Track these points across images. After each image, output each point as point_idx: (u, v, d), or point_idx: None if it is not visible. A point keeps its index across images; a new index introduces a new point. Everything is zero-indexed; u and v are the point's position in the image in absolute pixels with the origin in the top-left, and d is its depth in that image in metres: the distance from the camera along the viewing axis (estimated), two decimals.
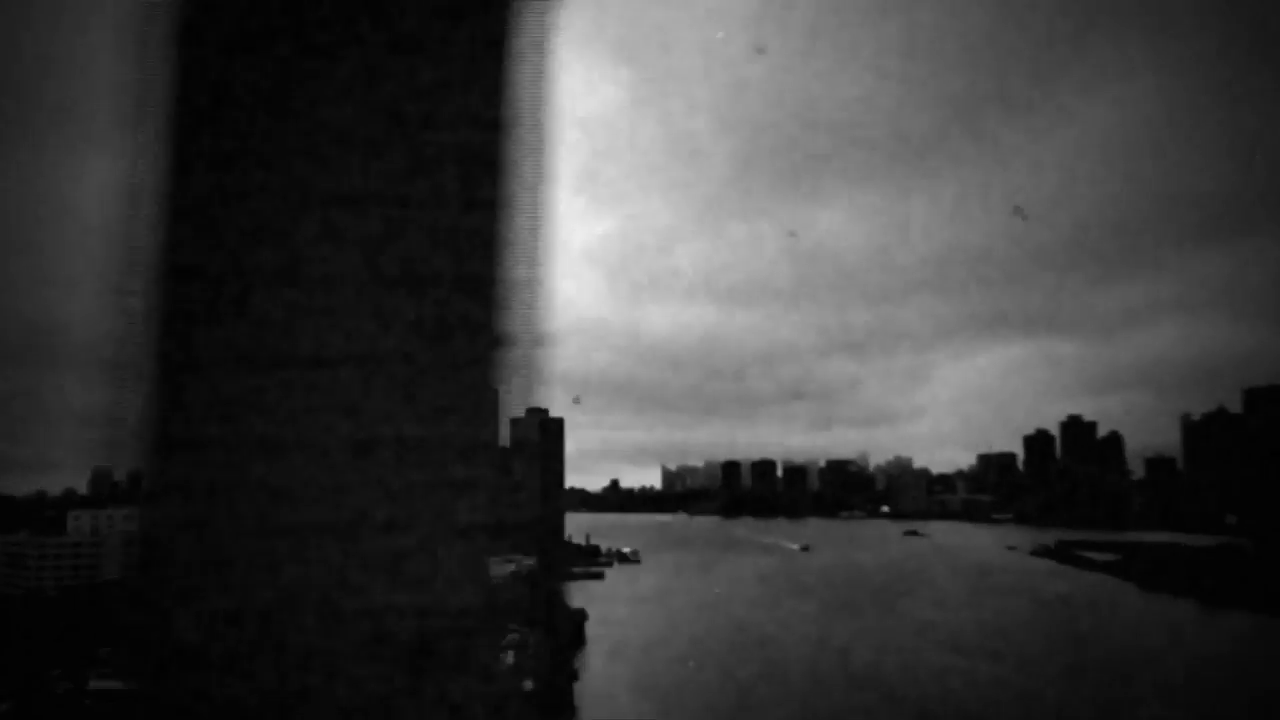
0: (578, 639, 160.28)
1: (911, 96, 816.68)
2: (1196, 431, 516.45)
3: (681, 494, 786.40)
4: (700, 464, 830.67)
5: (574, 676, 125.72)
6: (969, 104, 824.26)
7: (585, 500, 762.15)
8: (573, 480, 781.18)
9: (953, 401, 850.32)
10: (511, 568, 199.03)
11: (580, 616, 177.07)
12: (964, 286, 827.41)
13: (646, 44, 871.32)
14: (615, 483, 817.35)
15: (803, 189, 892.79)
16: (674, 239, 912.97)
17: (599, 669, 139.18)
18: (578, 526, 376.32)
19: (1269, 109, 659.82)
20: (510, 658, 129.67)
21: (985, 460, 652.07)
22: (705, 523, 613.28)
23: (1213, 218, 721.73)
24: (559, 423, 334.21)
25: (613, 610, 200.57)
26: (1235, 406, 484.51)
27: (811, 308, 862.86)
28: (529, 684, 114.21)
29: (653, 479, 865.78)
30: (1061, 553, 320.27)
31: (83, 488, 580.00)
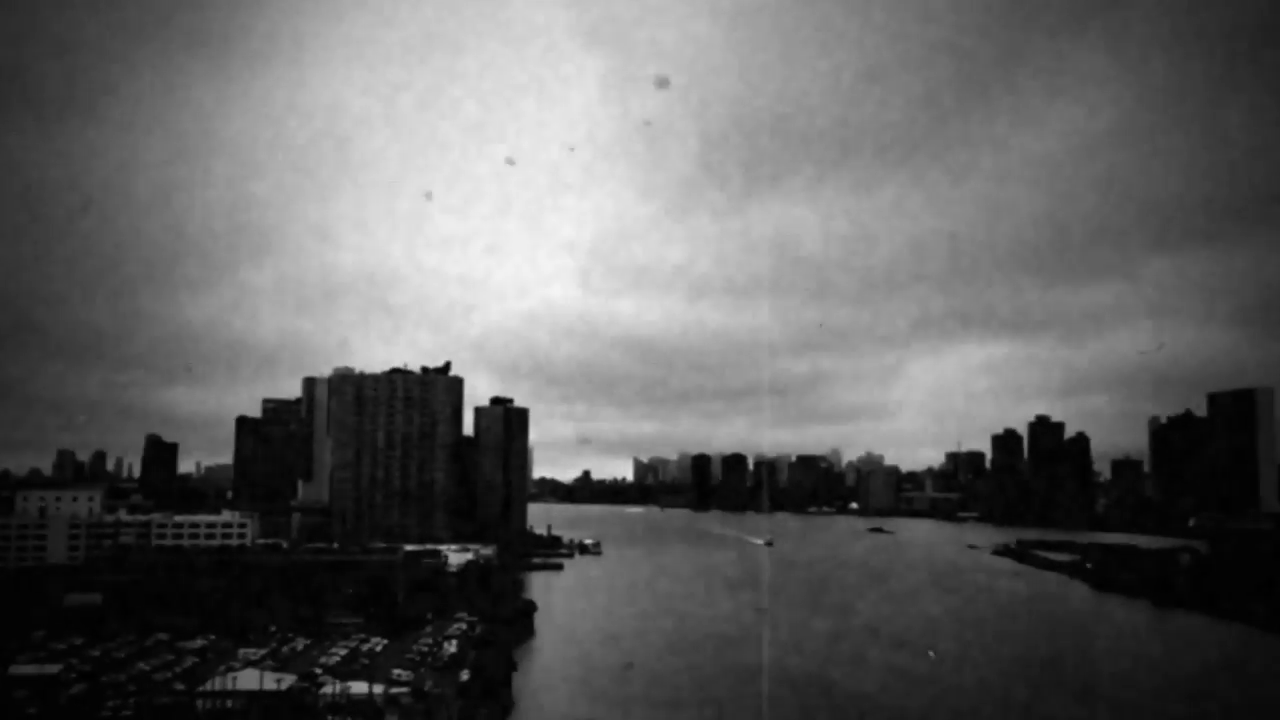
0: (526, 630, 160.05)
1: (885, 93, 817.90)
2: (1162, 434, 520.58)
3: (653, 486, 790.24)
4: (673, 457, 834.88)
5: (513, 667, 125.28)
6: (942, 102, 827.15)
7: (556, 491, 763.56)
8: (544, 471, 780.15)
9: (924, 400, 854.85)
10: (469, 556, 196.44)
11: (529, 607, 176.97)
12: (936, 285, 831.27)
13: (614, 35, 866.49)
14: (587, 474, 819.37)
15: (773, 183, 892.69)
16: (643, 230, 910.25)
17: (544, 660, 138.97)
18: (546, 517, 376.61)
19: (1244, 119, 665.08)
20: (453, 647, 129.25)
21: (954, 459, 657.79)
22: (675, 516, 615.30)
23: (1183, 225, 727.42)
24: (523, 413, 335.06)
25: (566, 602, 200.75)
26: (1201, 410, 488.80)
27: (782, 302, 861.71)
28: (465, 674, 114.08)
29: (625, 471, 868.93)
30: (1021, 552, 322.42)
31: (48, 469, 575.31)
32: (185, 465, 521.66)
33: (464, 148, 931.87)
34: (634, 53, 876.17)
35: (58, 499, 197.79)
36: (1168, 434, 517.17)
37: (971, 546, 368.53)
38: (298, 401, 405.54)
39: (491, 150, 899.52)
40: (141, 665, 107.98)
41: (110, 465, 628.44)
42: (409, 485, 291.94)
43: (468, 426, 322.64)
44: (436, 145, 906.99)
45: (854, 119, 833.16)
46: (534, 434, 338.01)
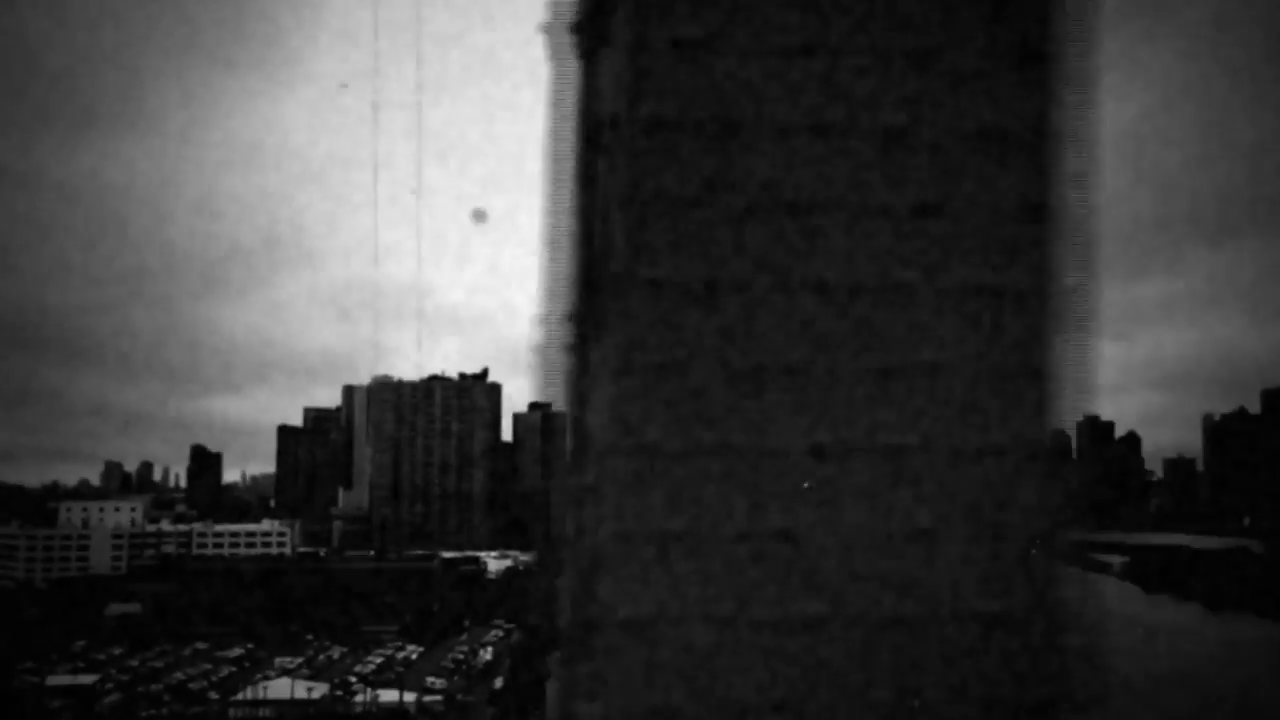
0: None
1: None
2: (1216, 432, 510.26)
3: None
4: None
5: (546, 675, 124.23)
6: None
7: None
8: None
9: None
10: (508, 563, 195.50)
11: None
12: None
13: None
14: None
15: None
16: None
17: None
18: None
19: None
20: (488, 654, 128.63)
21: None
22: None
23: (1233, 215, 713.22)
24: (561, 418, 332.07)
25: None
26: (1255, 407, 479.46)
27: None
28: (499, 682, 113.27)
29: None
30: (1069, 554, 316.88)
31: (96, 479, 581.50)
32: (231, 474, 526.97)
33: (499, 154, 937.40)
34: None
35: (101, 509, 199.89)
36: (1222, 432, 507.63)
37: None
38: (338, 410, 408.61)
39: (523, 156, 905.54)
40: (179, 675, 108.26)
41: (157, 475, 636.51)
42: (448, 492, 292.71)
43: (506, 432, 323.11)
44: (471, 153, 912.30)
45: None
46: None
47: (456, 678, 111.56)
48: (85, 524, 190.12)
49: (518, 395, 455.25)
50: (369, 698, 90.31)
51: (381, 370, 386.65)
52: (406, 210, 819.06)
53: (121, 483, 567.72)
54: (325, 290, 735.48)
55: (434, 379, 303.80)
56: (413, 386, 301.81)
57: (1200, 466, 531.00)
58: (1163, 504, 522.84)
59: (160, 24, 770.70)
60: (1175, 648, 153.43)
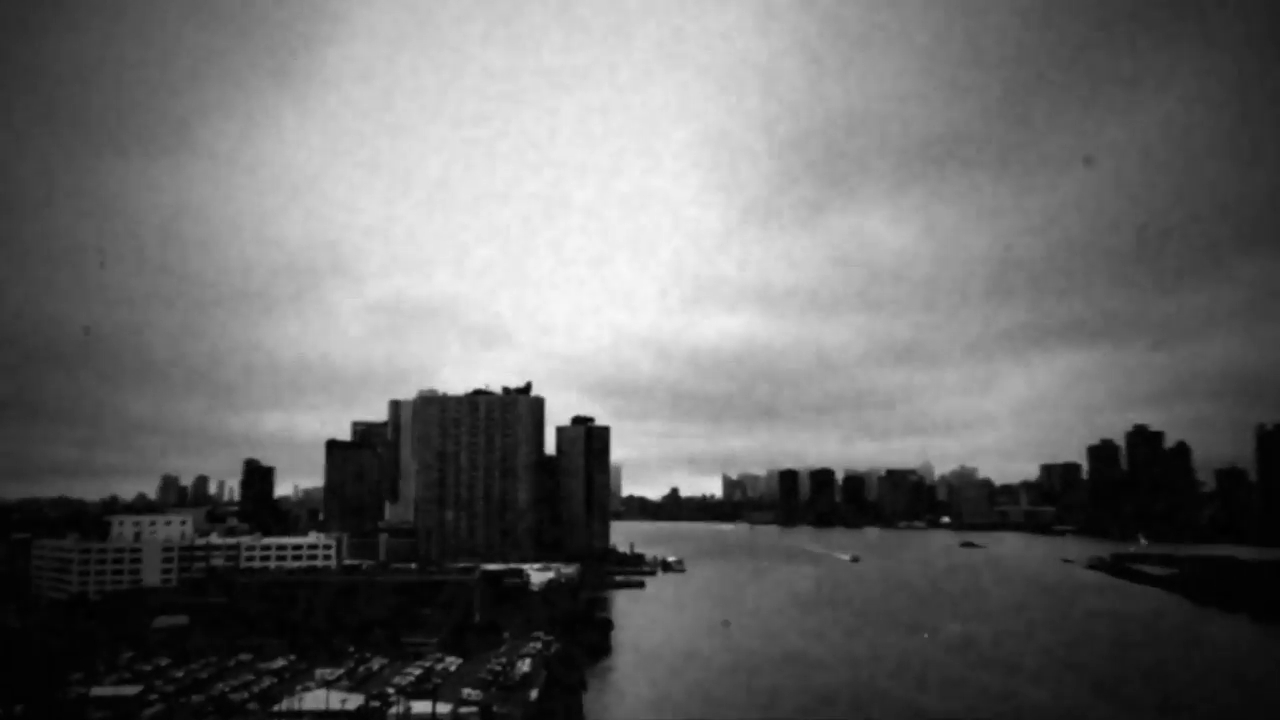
0: (602, 648, 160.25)
1: (958, 101, 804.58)
2: (1269, 441, 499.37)
3: (741, 503, 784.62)
4: (761, 473, 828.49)
5: (583, 686, 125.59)
6: (1018, 108, 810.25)
7: (645, 508, 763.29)
8: (633, 488, 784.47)
9: (1016, 411, 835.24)
10: (551, 575, 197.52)
11: (607, 625, 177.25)
12: (1021, 293, 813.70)
13: (685, 46, 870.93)
14: (675, 491, 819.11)
15: (848, 194, 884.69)
16: (720, 245, 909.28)
17: (617, 678, 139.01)
18: (632, 535, 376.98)
19: None
20: (526, 666, 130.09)
21: (1049, 471, 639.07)
22: (762, 532, 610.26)
23: (1274, 224, 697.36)
24: (604, 431, 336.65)
25: (646, 619, 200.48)
26: None
27: (865, 315, 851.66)
28: (534, 693, 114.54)
29: (714, 487, 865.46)
30: (1116, 566, 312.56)
31: (153, 493, 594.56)
32: (283, 488, 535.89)
33: (540, 172, 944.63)
34: (706, 68, 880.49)
35: (152, 523, 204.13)
36: (1274, 441, 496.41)
37: (1066, 561, 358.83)
38: (384, 424, 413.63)
39: (566, 173, 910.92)
40: (221, 686, 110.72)
41: (212, 489, 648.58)
42: (492, 505, 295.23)
43: (550, 446, 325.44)
44: (514, 170, 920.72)
45: (933, 128, 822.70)
46: (622, 452, 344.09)
47: (493, 689, 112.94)
48: (137, 537, 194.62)
49: (560, 409, 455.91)
50: (403, 709, 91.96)
51: (427, 385, 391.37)
52: (449, 226, 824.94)
53: (178, 496, 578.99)
54: (372, 308, 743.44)
55: (478, 393, 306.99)
56: (457, 400, 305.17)
57: (1253, 476, 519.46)
58: (1214, 514, 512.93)
59: (211, 55, 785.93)
60: None
